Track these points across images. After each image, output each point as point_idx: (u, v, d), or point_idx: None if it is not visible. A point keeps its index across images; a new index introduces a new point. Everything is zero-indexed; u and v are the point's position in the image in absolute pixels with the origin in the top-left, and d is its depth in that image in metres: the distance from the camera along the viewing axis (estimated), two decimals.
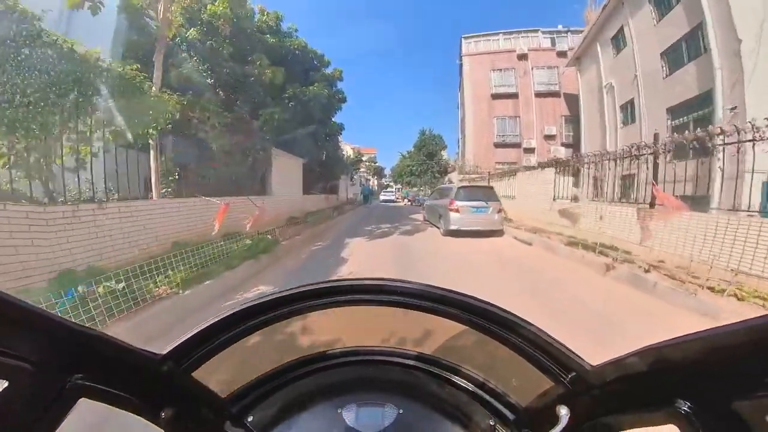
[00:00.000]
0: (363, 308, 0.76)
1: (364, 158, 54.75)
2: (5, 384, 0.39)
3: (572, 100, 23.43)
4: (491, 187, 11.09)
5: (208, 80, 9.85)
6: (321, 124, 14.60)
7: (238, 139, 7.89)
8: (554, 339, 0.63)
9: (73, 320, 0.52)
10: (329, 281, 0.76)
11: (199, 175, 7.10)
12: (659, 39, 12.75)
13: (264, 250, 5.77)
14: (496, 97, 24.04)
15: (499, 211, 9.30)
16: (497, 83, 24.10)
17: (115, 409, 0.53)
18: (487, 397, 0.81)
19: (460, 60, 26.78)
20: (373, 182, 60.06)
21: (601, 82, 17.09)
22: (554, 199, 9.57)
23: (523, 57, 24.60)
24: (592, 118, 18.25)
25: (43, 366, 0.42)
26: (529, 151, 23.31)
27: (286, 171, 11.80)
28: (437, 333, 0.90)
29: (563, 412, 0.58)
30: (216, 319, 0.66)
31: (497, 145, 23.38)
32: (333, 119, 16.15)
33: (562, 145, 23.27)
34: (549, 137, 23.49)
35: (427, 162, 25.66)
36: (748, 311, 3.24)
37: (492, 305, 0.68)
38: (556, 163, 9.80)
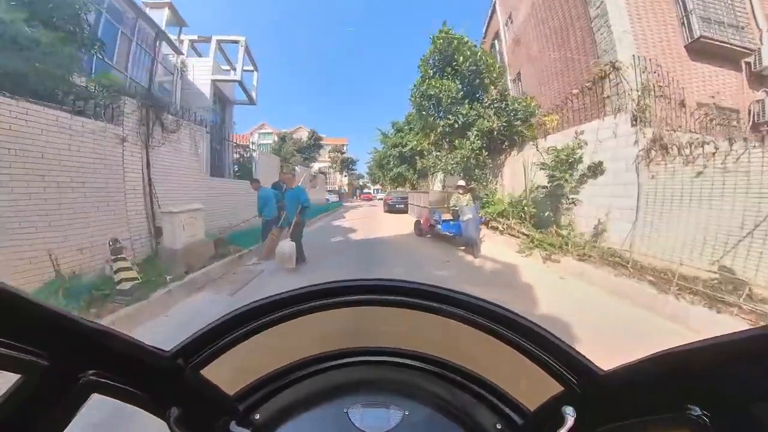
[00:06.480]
0: (369, 308, 0.77)
1: (326, 146, 38.50)
2: (20, 378, 0.41)
3: None
4: None
5: None
6: None
7: None
8: (563, 342, 0.63)
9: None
10: (335, 282, 0.74)
11: None
12: None
13: None
14: None
15: None
16: None
17: (122, 405, 0.54)
18: (494, 400, 0.81)
19: None
20: (341, 181, 43.67)
21: None
22: None
23: None
24: None
25: (57, 361, 0.44)
26: (760, 78, 8.00)
27: None
28: (443, 334, 0.85)
29: (568, 411, 0.59)
30: (224, 318, 0.68)
31: (695, 54, 7.79)
32: None
33: None
34: None
35: (462, 103, 9.35)
36: None
37: (499, 306, 0.68)
38: None
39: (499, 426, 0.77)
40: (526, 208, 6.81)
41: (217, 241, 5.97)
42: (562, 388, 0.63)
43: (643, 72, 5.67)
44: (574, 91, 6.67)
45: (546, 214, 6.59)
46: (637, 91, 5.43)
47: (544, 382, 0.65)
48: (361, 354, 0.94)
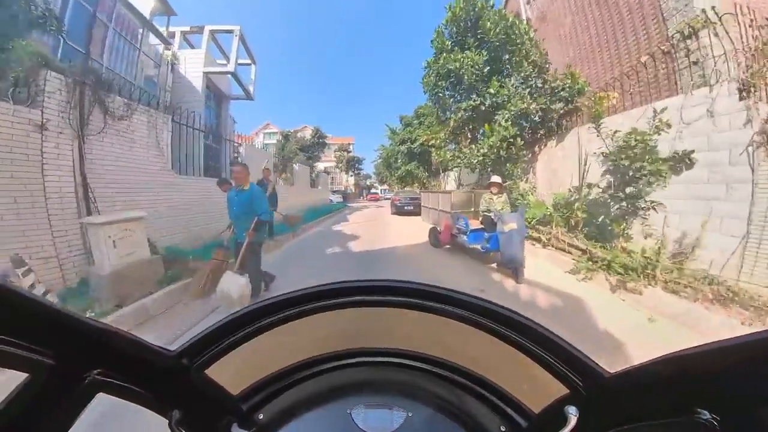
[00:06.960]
0: (372, 309, 0.77)
1: (332, 145, 37.44)
2: (27, 378, 0.41)
3: None
4: None
5: None
6: None
7: None
8: (569, 344, 0.62)
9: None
10: (338, 282, 0.75)
11: None
12: None
13: None
14: None
15: None
16: None
17: (125, 404, 0.54)
18: (498, 402, 0.80)
19: None
20: (347, 181, 42.48)
21: None
22: None
23: None
24: None
25: (63, 361, 0.44)
26: None
27: None
28: (446, 335, 0.84)
29: (571, 411, 0.58)
30: (229, 318, 0.69)
31: None
32: None
33: None
34: None
35: (487, 81, 7.53)
36: None
37: (501, 306, 0.67)
38: None
39: (502, 428, 0.76)
40: (578, 212, 5.28)
41: (177, 258, 4.66)
42: (567, 391, 0.62)
43: (750, 26, 4.15)
44: (643, 59, 5.13)
45: (601, 220, 5.09)
46: (745, 52, 3.90)
47: (549, 384, 0.63)
48: (364, 355, 0.94)
